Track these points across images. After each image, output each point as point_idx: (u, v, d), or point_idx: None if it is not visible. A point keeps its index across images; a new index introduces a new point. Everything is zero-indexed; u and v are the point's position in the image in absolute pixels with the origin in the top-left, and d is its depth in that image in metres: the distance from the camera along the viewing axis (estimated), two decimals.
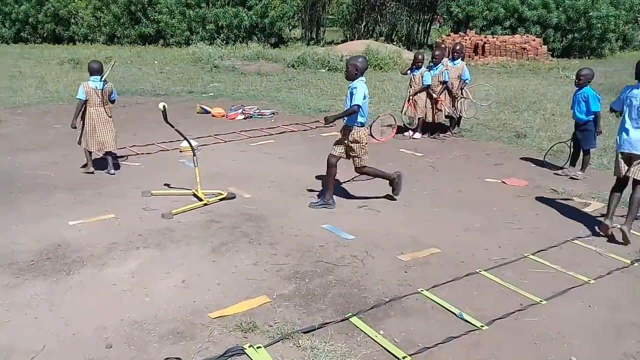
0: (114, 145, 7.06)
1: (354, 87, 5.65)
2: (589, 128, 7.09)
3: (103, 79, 6.70)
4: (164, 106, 5.91)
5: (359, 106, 5.58)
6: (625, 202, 5.43)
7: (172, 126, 6.08)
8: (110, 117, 6.98)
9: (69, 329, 3.64)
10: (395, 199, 6.21)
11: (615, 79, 15.87)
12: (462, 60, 9.49)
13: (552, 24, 23.04)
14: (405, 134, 9.34)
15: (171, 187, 6.49)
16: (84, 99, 6.76)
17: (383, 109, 11.68)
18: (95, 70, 6.83)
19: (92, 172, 6.99)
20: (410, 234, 5.31)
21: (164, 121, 6.04)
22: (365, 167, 6.00)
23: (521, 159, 8.05)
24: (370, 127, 6.35)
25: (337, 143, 6.00)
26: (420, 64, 9.08)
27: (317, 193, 6.32)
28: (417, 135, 9.27)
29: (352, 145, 5.82)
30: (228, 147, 8.55)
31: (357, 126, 5.76)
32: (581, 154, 7.26)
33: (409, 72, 9.28)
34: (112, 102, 7.06)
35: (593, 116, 7.00)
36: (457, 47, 9.39)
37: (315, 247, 4.96)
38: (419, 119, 9.21)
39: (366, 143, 5.86)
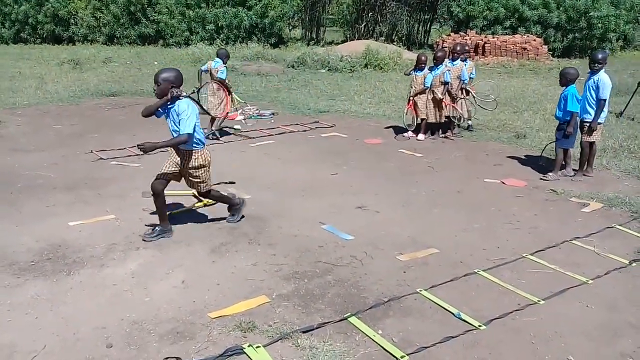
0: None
1: (182, 111, 4.79)
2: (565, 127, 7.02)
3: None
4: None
5: (189, 134, 4.81)
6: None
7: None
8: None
9: (69, 329, 3.66)
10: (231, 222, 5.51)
11: (615, 79, 15.84)
12: (466, 60, 9.55)
13: (552, 23, 23.05)
14: (405, 134, 9.36)
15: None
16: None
17: (383, 109, 11.72)
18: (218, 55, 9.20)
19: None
20: (409, 234, 5.33)
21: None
22: (211, 191, 5.32)
23: (520, 159, 8.07)
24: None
25: (169, 166, 5.06)
26: (423, 65, 9.10)
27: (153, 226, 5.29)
28: (421, 136, 9.29)
29: (196, 171, 5.08)
30: (228, 148, 8.57)
31: (200, 148, 5.06)
32: (560, 153, 7.20)
33: (412, 72, 9.29)
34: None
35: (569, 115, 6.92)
36: (458, 48, 9.43)
37: (314, 248, 4.98)
38: (421, 119, 9.23)
39: (210, 164, 5.21)
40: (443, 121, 9.31)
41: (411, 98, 9.19)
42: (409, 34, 29.34)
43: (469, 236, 5.32)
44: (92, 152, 8.08)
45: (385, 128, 10.04)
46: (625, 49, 25.50)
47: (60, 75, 15.74)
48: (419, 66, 9.12)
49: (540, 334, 3.69)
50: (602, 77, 6.87)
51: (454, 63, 9.26)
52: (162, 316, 3.84)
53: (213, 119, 9.15)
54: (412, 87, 9.24)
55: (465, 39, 21.60)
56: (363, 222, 5.64)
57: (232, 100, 9.30)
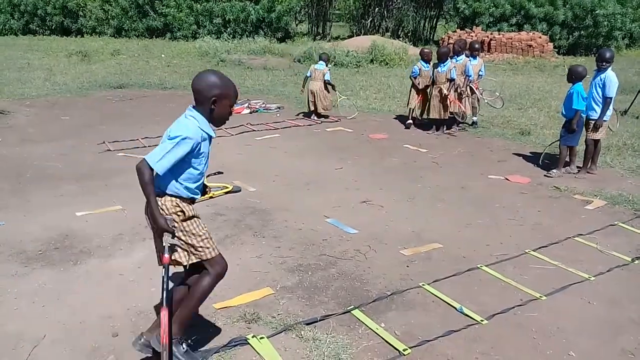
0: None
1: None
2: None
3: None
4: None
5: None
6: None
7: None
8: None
9: (76, 318, 3.71)
10: None
11: (621, 78, 15.79)
12: (476, 57, 9.73)
13: (558, 21, 23.00)
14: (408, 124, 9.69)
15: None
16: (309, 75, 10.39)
17: (388, 104, 11.74)
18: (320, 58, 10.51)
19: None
20: (413, 229, 5.36)
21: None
22: None
23: (525, 156, 8.08)
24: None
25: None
26: (430, 57, 9.43)
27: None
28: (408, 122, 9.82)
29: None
30: (234, 141, 8.61)
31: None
32: (564, 150, 7.20)
33: (425, 68, 9.54)
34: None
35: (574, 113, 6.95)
36: (460, 43, 9.50)
37: (318, 241, 5.02)
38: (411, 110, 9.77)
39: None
40: (447, 117, 9.36)
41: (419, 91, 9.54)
42: (414, 30, 29.32)
43: (473, 232, 5.35)
44: (104, 142, 8.14)
45: (390, 122, 10.07)
46: (631, 47, 25.39)
47: (68, 67, 15.80)
48: (427, 59, 9.44)
49: (542, 329, 3.72)
50: (610, 75, 6.88)
51: (458, 59, 9.29)
52: None
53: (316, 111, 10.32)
54: (419, 80, 9.58)
55: (471, 36, 21.56)
56: (367, 216, 5.67)
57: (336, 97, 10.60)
